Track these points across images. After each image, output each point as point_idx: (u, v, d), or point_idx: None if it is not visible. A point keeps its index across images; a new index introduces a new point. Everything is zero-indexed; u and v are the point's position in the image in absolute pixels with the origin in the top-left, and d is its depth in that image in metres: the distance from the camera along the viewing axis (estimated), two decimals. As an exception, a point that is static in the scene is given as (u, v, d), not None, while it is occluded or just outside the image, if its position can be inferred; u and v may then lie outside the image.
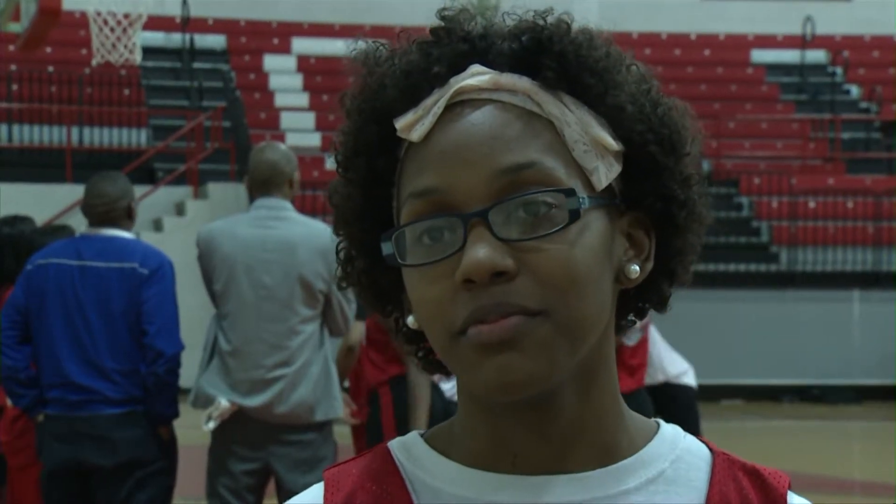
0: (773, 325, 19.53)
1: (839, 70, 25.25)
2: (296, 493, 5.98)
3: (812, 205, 21.30)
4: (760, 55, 25.45)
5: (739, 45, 25.45)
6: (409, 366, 6.00)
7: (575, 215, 1.19)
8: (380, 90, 1.25)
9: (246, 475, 5.77)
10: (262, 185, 5.82)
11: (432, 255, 1.20)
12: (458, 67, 1.24)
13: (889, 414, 17.17)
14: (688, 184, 1.27)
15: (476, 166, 1.19)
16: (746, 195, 21.58)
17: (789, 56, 25.33)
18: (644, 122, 1.25)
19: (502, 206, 1.18)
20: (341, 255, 1.30)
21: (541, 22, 1.25)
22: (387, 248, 1.22)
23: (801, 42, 25.00)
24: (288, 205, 5.82)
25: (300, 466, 5.75)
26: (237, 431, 5.75)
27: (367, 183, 1.26)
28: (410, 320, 1.26)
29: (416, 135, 1.23)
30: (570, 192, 1.19)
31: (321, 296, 5.75)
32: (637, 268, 1.25)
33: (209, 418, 5.71)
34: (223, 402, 5.69)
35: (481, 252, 1.17)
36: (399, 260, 1.22)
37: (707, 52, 25.03)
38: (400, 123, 1.24)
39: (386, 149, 1.25)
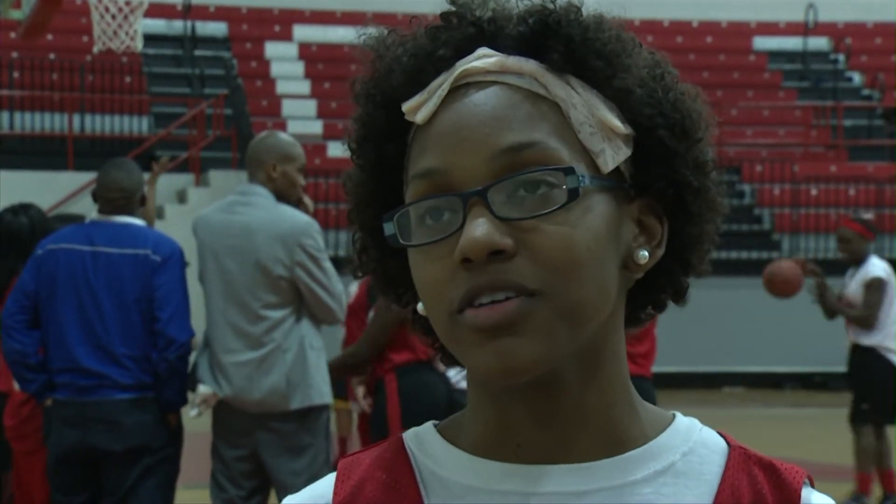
0: (775, 313, 19.50)
1: (841, 57, 25.22)
2: (282, 481, 5.98)
3: (814, 192, 21.28)
4: (762, 42, 25.42)
5: (741, 32, 25.42)
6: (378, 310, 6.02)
7: (574, 194, 1.18)
8: (387, 75, 1.25)
9: (237, 462, 5.77)
10: (248, 170, 5.86)
11: (433, 235, 1.19)
12: (465, 51, 1.23)
13: (891, 401, 17.15)
14: (702, 171, 1.26)
15: (476, 146, 1.19)
16: (748, 182, 21.56)
17: (791, 43, 25.30)
18: (654, 107, 1.24)
19: (502, 185, 1.18)
20: (357, 244, 1.29)
21: (550, 5, 1.24)
22: (388, 228, 1.22)
23: (804, 29, 24.96)
24: (260, 190, 5.79)
25: (285, 453, 5.74)
26: (224, 419, 5.78)
27: (376, 168, 1.26)
28: (420, 307, 1.25)
29: (420, 116, 1.22)
30: (569, 171, 1.18)
31: (283, 282, 5.71)
32: (646, 253, 1.23)
33: (192, 405, 5.74)
34: (202, 389, 5.72)
35: (479, 230, 1.16)
36: (401, 241, 1.21)
37: (709, 40, 25.00)
38: (406, 106, 1.23)
39: (395, 134, 1.25)
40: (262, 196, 5.79)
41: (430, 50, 1.24)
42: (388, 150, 1.25)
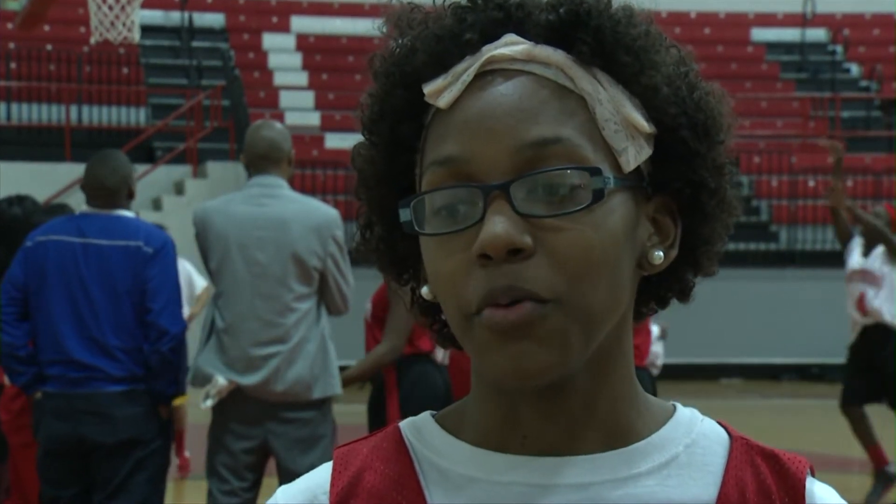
0: (773, 304, 19.53)
1: (839, 48, 25.22)
2: (295, 472, 5.92)
3: (812, 183, 21.29)
4: (761, 33, 25.41)
5: (739, 23, 25.41)
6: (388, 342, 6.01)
7: (599, 195, 1.16)
8: (410, 54, 1.22)
9: (245, 453, 5.76)
10: (259, 162, 5.83)
11: (450, 226, 1.17)
12: (492, 35, 1.20)
13: (888, 392, 17.19)
14: (720, 172, 1.25)
15: (501, 137, 1.16)
16: (746, 174, 21.57)
17: (789, 34, 25.29)
18: (678, 106, 1.22)
19: (525, 181, 1.15)
20: (361, 219, 1.27)
21: None
22: (404, 214, 1.20)
23: (802, 20, 24.96)
24: (282, 182, 5.81)
25: (298, 445, 5.74)
26: (235, 410, 5.75)
27: (390, 148, 1.23)
28: (425, 291, 1.23)
29: (443, 101, 1.19)
30: (595, 171, 1.16)
31: (315, 273, 5.74)
32: (661, 254, 1.22)
33: (207, 396, 5.71)
34: (220, 380, 5.69)
35: (499, 226, 1.14)
36: (416, 228, 1.19)
37: (707, 31, 24.99)
38: (428, 89, 1.20)
39: (412, 114, 1.22)
40: (286, 188, 5.82)
41: (456, 32, 1.21)
42: (403, 130, 1.22)
